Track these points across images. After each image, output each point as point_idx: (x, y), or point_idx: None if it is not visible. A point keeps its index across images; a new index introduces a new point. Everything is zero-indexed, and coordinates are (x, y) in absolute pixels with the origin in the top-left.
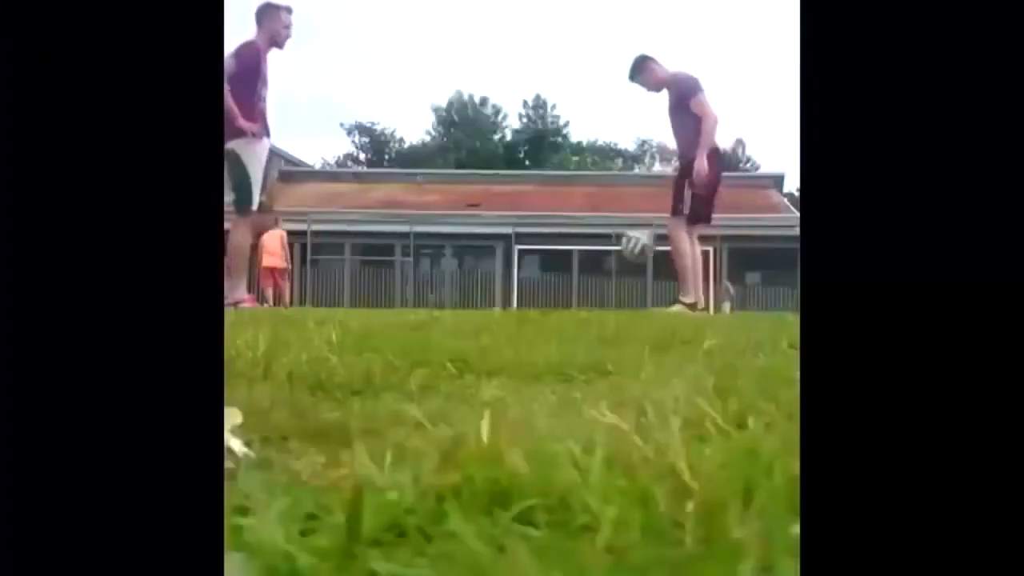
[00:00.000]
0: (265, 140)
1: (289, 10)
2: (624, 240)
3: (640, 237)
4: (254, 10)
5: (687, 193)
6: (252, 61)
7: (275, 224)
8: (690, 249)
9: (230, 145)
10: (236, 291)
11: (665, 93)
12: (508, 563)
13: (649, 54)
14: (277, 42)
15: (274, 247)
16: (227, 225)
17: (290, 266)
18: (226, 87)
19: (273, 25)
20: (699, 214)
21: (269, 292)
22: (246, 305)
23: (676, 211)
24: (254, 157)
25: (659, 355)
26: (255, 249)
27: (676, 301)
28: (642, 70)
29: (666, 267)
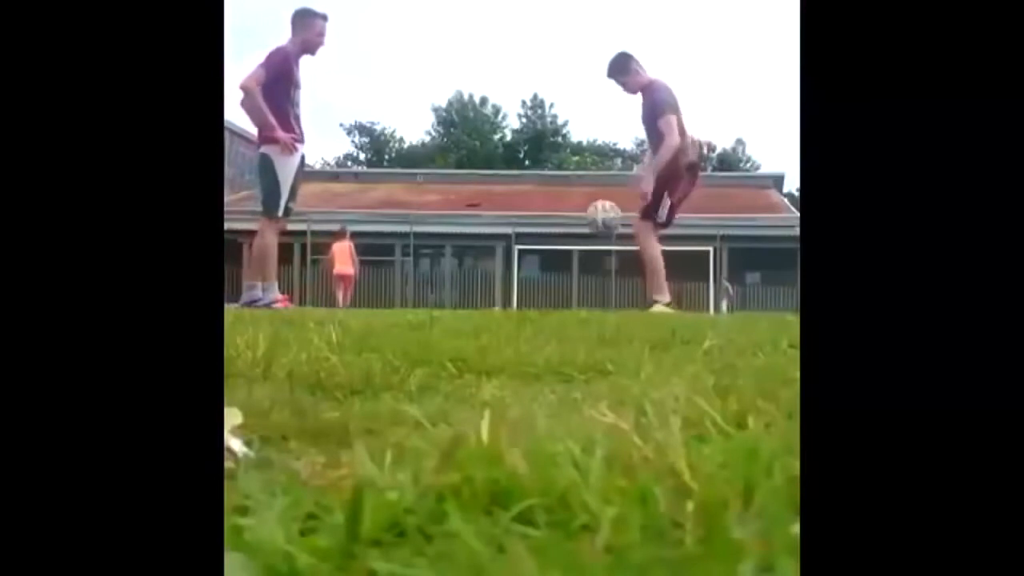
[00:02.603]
0: (299, 148)
1: (324, 17)
2: (601, 210)
3: (614, 209)
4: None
5: (664, 200)
6: (283, 67)
7: (344, 236)
8: (658, 252)
9: (264, 150)
10: (271, 292)
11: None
12: (508, 563)
13: (630, 52)
14: (310, 49)
15: (344, 256)
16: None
17: (358, 272)
18: (260, 95)
19: (306, 32)
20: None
21: (340, 295)
22: (279, 306)
23: (645, 215)
24: (286, 164)
25: (659, 355)
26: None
27: (654, 302)
28: (624, 70)
29: (666, 267)
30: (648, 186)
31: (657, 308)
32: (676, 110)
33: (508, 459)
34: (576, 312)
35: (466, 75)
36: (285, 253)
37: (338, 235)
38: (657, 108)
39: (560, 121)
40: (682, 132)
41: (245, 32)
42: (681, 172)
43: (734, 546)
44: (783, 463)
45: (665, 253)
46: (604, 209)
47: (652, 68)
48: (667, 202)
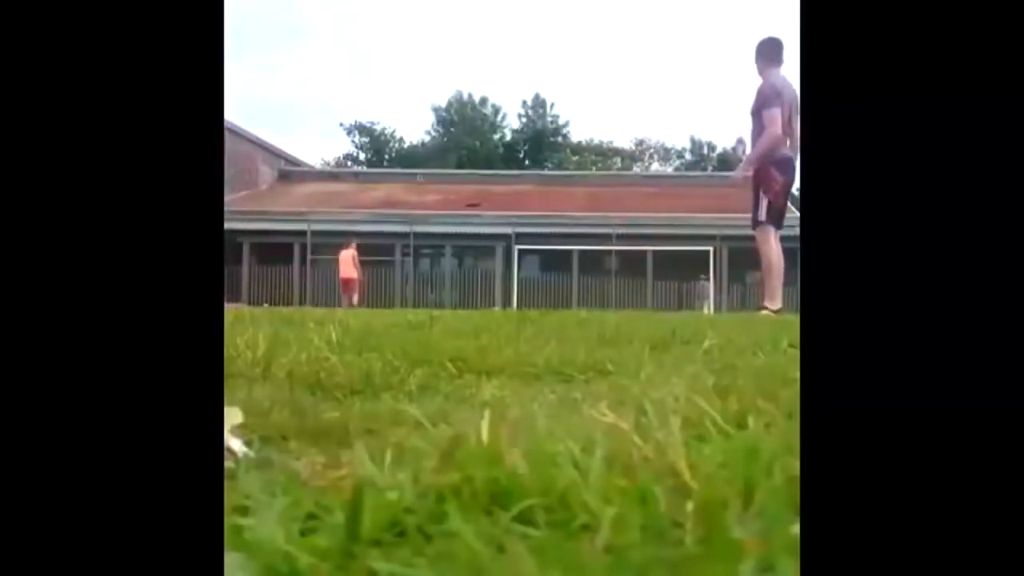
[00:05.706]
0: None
1: None
2: None
3: None
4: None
5: (763, 201)
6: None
7: (349, 245)
8: (774, 256)
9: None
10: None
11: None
12: (508, 563)
13: (782, 41)
14: None
15: (347, 263)
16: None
17: (361, 276)
18: None
19: None
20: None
21: (345, 298)
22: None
23: (754, 220)
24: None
25: (659, 355)
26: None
27: (763, 307)
28: (762, 53)
29: (666, 267)
30: (738, 175)
31: (764, 313)
32: (783, 104)
33: (508, 459)
34: (576, 312)
35: (466, 75)
36: (285, 253)
37: (344, 244)
38: (763, 100)
39: (560, 121)
40: (788, 128)
41: (242, 32)
42: (770, 164)
43: (734, 546)
44: (783, 463)
45: (665, 253)
46: None
47: (652, 67)
48: (763, 201)
